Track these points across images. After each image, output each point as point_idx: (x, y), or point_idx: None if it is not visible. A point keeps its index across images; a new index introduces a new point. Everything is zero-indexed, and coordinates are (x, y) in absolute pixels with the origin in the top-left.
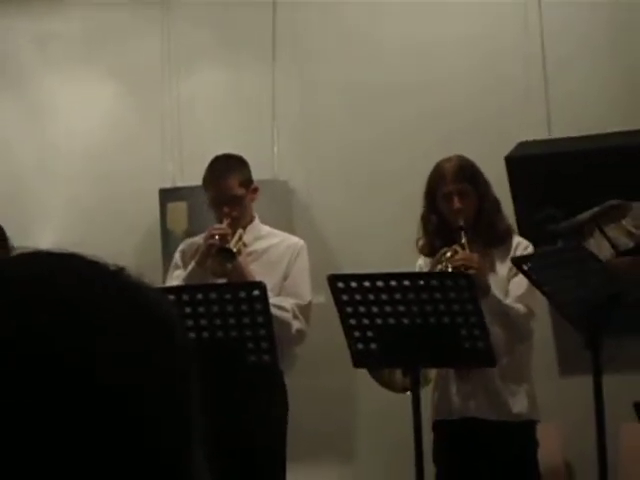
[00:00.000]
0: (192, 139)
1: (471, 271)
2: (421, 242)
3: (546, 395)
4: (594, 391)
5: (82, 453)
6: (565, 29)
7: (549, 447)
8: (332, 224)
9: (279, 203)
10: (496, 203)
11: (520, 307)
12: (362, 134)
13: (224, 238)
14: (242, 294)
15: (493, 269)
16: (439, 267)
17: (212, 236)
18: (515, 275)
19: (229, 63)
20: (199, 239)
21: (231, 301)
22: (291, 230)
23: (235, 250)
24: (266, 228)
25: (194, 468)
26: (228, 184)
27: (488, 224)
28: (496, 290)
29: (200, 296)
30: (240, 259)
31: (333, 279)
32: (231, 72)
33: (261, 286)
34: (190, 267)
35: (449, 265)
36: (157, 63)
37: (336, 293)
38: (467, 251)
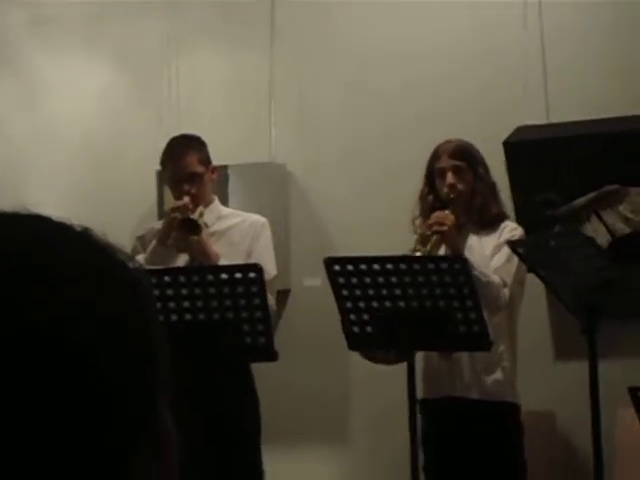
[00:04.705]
0: (190, 121)
1: (443, 228)
2: (417, 221)
3: (541, 380)
4: (590, 376)
5: (41, 413)
6: (564, 21)
7: (544, 432)
8: (329, 207)
9: (276, 186)
10: (492, 187)
11: (494, 276)
12: (360, 118)
13: (185, 211)
14: (238, 275)
15: (480, 246)
16: (415, 237)
17: (172, 211)
18: (497, 253)
19: (227, 46)
20: (158, 225)
21: (226, 283)
22: (287, 213)
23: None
24: (227, 209)
25: (158, 431)
26: (187, 161)
27: (481, 205)
28: (474, 259)
29: (196, 278)
30: (202, 235)
31: (329, 262)
32: (229, 55)
33: (257, 268)
34: (151, 246)
35: (422, 231)
36: (155, 46)
37: (332, 276)
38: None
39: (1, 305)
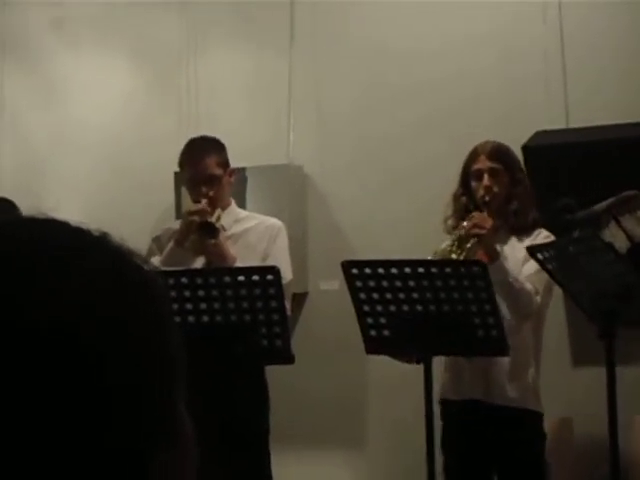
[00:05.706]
0: (208, 122)
1: (482, 231)
2: (449, 221)
3: (559, 386)
4: (607, 382)
5: (48, 414)
6: (584, 24)
7: (560, 438)
8: (346, 210)
9: (293, 188)
10: (529, 192)
11: (527, 284)
12: (378, 120)
13: (204, 215)
14: (255, 277)
15: (513, 252)
16: (451, 238)
17: (191, 214)
18: (529, 260)
19: (247, 47)
20: (175, 225)
21: (244, 285)
22: (305, 215)
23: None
24: (244, 212)
25: (174, 424)
26: (206, 163)
27: (518, 210)
28: (507, 265)
29: (213, 280)
30: (219, 238)
31: (347, 265)
32: (249, 56)
33: (275, 270)
34: (168, 247)
35: (459, 233)
36: (175, 45)
37: (350, 279)
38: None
39: (2, 305)
